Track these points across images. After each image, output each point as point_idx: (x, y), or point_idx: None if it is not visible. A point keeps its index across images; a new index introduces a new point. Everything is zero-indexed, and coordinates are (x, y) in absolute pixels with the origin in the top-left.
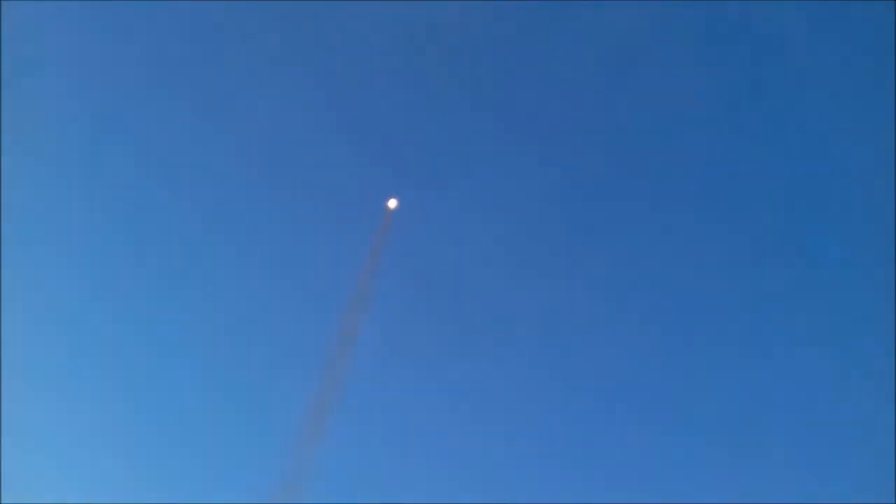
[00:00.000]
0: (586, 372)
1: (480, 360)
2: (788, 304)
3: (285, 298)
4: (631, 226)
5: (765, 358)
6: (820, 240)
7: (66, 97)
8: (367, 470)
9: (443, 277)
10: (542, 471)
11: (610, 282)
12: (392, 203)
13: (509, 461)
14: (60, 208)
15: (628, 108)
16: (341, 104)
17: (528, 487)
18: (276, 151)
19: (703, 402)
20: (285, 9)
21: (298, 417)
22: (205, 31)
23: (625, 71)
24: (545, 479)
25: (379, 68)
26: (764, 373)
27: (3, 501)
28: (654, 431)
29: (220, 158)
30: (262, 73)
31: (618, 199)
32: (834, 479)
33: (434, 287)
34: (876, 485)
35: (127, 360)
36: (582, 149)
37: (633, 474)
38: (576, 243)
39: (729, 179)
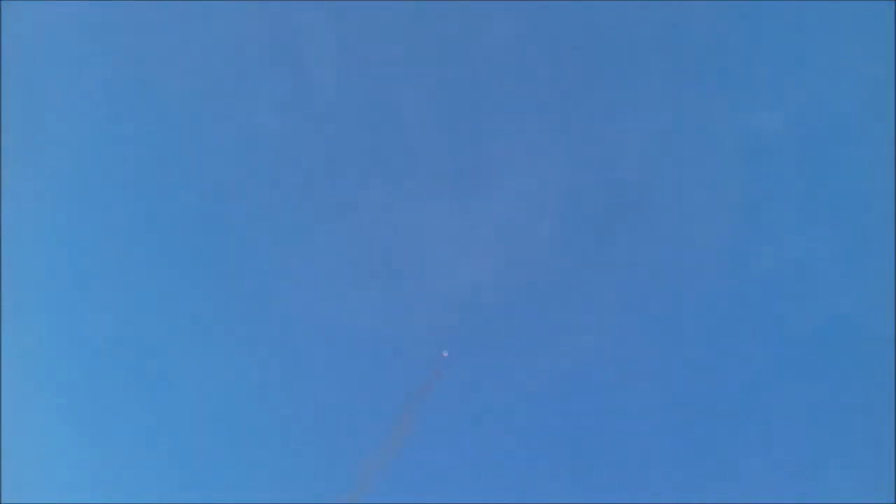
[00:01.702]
0: None
1: None
2: None
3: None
4: None
5: (765, 357)
6: None
7: (66, 97)
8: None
9: None
10: None
11: None
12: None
13: None
14: (60, 208)
15: None
16: None
17: None
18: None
19: (704, 403)
20: None
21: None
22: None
23: None
24: None
25: None
26: (764, 373)
27: (3, 501)
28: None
29: None
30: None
31: None
32: (834, 479)
33: None
34: (876, 485)
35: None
36: None
37: (637, 478)
38: None
39: None
